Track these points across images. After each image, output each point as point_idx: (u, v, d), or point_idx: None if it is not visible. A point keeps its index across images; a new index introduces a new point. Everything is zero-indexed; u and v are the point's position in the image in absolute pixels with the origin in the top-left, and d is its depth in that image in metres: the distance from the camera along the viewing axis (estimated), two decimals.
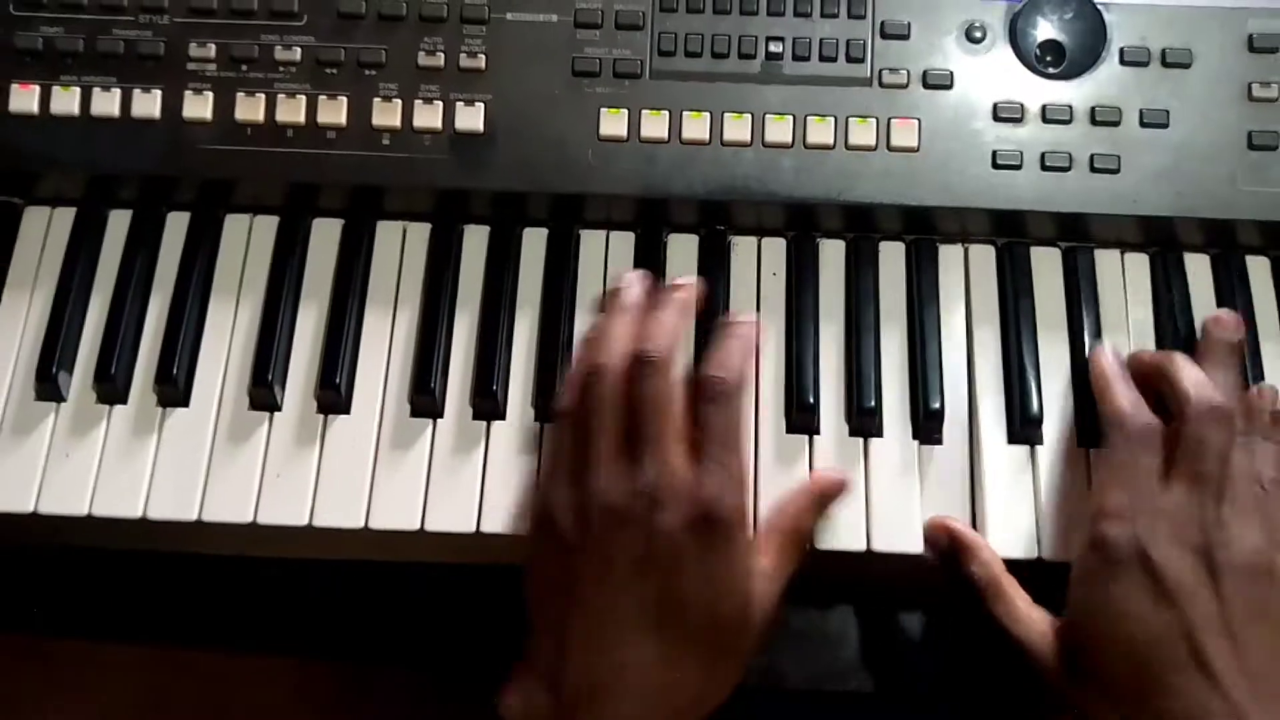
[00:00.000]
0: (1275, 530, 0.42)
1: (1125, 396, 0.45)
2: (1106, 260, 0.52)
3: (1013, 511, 0.47)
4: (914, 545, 0.47)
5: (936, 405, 0.48)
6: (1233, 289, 0.51)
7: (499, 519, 0.47)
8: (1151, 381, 0.46)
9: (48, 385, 0.49)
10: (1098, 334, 0.50)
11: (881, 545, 0.47)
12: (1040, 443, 0.48)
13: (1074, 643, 0.43)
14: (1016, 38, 0.51)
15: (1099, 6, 0.52)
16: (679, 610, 0.41)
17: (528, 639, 0.43)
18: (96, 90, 0.51)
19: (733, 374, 0.44)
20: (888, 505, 0.47)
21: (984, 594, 0.45)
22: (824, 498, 0.46)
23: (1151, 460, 0.43)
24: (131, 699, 0.60)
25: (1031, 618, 0.44)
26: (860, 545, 0.47)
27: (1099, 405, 0.46)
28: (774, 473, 0.48)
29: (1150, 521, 0.42)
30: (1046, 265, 0.52)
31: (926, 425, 0.48)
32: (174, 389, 0.49)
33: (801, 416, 0.48)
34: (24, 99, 0.51)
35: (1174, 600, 0.40)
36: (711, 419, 0.43)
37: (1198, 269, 0.52)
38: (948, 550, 0.46)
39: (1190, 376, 0.45)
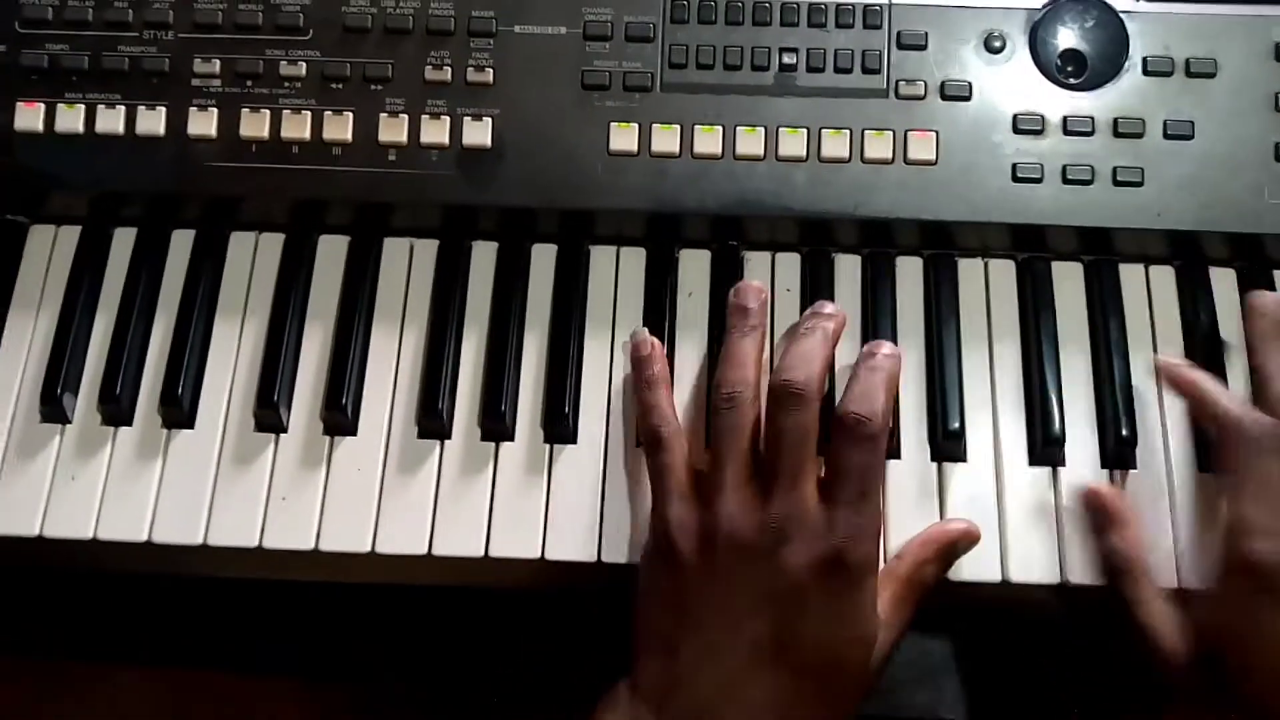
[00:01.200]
0: None
1: (1234, 401, 0.43)
2: (1131, 275, 0.50)
3: (1035, 535, 0.46)
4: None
5: (956, 425, 0.47)
6: None
7: (507, 543, 0.46)
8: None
9: (52, 407, 0.48)
10: (1123, 352, 0.49)
11: None
12: (1063, 464, 0.47)
13: (1218, 656, 0.40)
14: (1037, 47, 0.50)
15: (1121, 15, 0.50)
16: (797, 650, 0.40)
17: (634, 659, 0.43)
18: (101, 108, 0.50)
19: (877, 414, 0.42)
20: (906, 529, 0.46)
21: (1120, 571, 0.43)
22: (951, 549, 0.45)
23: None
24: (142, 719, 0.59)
25: (1164, 611, 0.42)
26: None
27: (1204, 416, 0.44)
28: None
29: None
30: (1069, 280, 0.50)
31: (946, 446, 0.47)
32: (179, 410, 0.48)
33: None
34: (29, 117, 0.50)
35: None
36: (851, 459, 0.42)
37: (1224, 284, 0.51)
38: (1097, 519, 0.44)
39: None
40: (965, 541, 0.45)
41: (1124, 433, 0.47)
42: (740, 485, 0.42)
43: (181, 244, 0.52)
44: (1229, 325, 0.50)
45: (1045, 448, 0.47)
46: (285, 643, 0.51)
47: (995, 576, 0.45)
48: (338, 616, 0.51)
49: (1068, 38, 0.50)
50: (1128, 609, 0.43)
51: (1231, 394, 0.44)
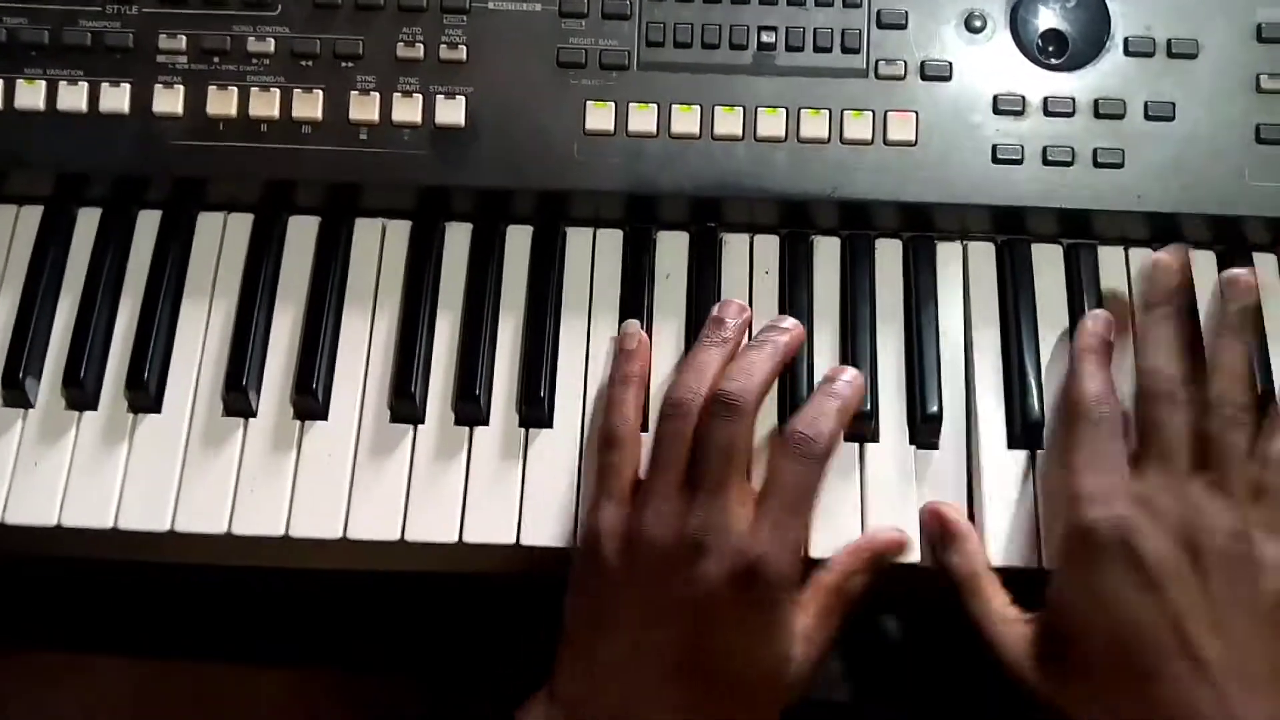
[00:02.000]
0: (1249, 512, 0.41)
1: (1094, 378, 0.44)
2: (1110, 257, 0.50)
3: (1013, 518, 0.46)
4: (910, 555, 0.45)
5: (934, 409, 0.47)
6: None
7: (482, 529, 0.46)
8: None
9: (14, 392, 0.47)
10: None
11: None
12: (1042, 447, 0.47)
13: (1055, 635, 0.41)
14: (1018, 27, 0.50)
15: None
16: (709, 661, 0.40)
17: (556, 661, 0.42)
18: (63, 84, 0.49)
19: (823, 437, 0.42)
20: (884, 513, 0.46)
21: (961, 587, 0.44)
22: (878, 558, 0.44)
23: (1119, 445, 0.42)
24: (122, 709, 0.59)
25: (1008, 617, 0.43)
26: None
27: (1067, 382, 0.45)
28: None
29: (1129, 506, 0.41)
30: (1048, 263, 0.50)
31: (924, 429, 0.47)
32: (145, 395, 0.47)
33: None
34: None
35: (1160, 587, 0.39)
36: (785, 475, 0.42)
37: (1204, 266, 0.50)
38: (937, 537, 0.45)
39: (1150, 357, 0.44)
40: (895, 549, 0.44)
41: None
42: (670, 493, 0.41)
43: (147, 225, 0.51)
44: (1209, 306, 0.49)
45: (1024, 431, 0.47)
46: (266, 630, 0.50)
47: None
48: (319, 604, 0.51)
49: (1049, 17, 0.50)
50: (977, 625, 0.43)
51: (1100, 371, 0.44)
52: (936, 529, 0.45)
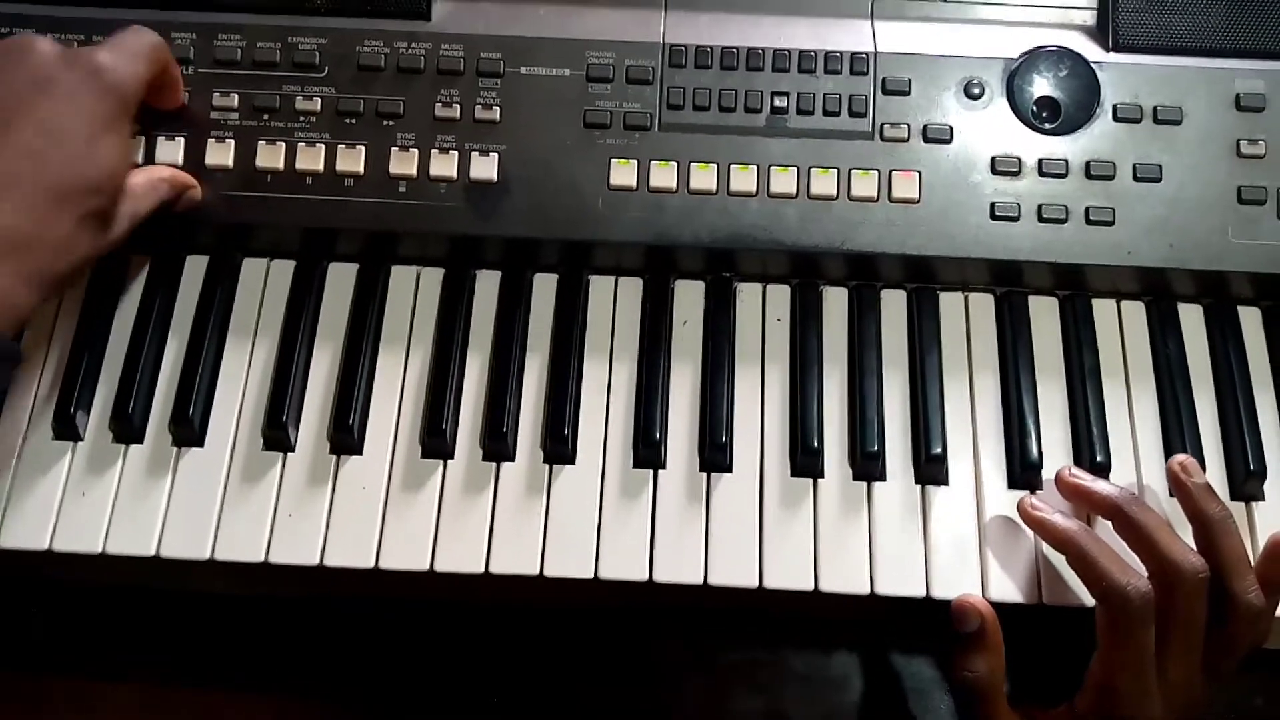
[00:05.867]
0: None
1: (1118, 569, 0.44)
2: (1103, 309, 0.53)
3: (1013, 557, 0.48)
4: (917, 589, 0.47)
5: (938, 450, 0.49)
6: (1225, 339, 0.53)
7: (508, 560, 0.48)
8: (1128, 538, 0.46)
9: (65, 425, 0.50)
10: (1097, 382, 0.51)
11: (885, 589, 0.47)
12: (1041, 488, 0.49)
13: None
14: (1014, 94, 0.53)
15: (1093, 65, 0.54)
16: None
17: None
18: None
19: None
20: (891, 549, 0.48)
21: (980, 694, 0.46)
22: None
23: (1151, 634, 0.44)
24: None
25: None
26: (864, 589, 0.47)
27: (1088, 578, 0.45)
28: (779, 517, 0.48)
29: (1152, 705, 0.43)
30: (1045, 314, 0.53)
31: (929, 470, 0.49)
32: (189, 429, 0.50)
33: (806, 460, 0.49)
34: None
35: None
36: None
37: (1192, 319, 0.53)
38: (974, 631, 0.46)
39: (1177, 547, 0.44)
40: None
41: (1098, 458, 0.49)
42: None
43: (195, 269, 0.54)
44: (1197, 359, 0.52)
45: (1023, 472, 0.49)
46: (261, 661, 0.52)
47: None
48: (318, 633, 0.52)
49: (1043, 85, 0.53)
50: None
51: (1117, 560, 0.44)
52: (977, 624, 0.46)
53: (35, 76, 0.45)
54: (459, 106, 0.52)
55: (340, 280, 0.54)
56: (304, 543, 0.48)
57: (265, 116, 0.53)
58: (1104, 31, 0.54)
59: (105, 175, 0.46)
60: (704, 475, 0.49)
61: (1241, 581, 0.44)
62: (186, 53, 0.53)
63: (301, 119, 0.52)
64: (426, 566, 0.48)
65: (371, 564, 0.48)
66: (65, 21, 0.53)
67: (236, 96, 0.53)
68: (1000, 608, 0.47)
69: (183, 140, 0.52)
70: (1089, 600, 0.46)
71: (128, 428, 0.50)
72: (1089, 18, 0.55)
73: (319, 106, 0.53)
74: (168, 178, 0.50)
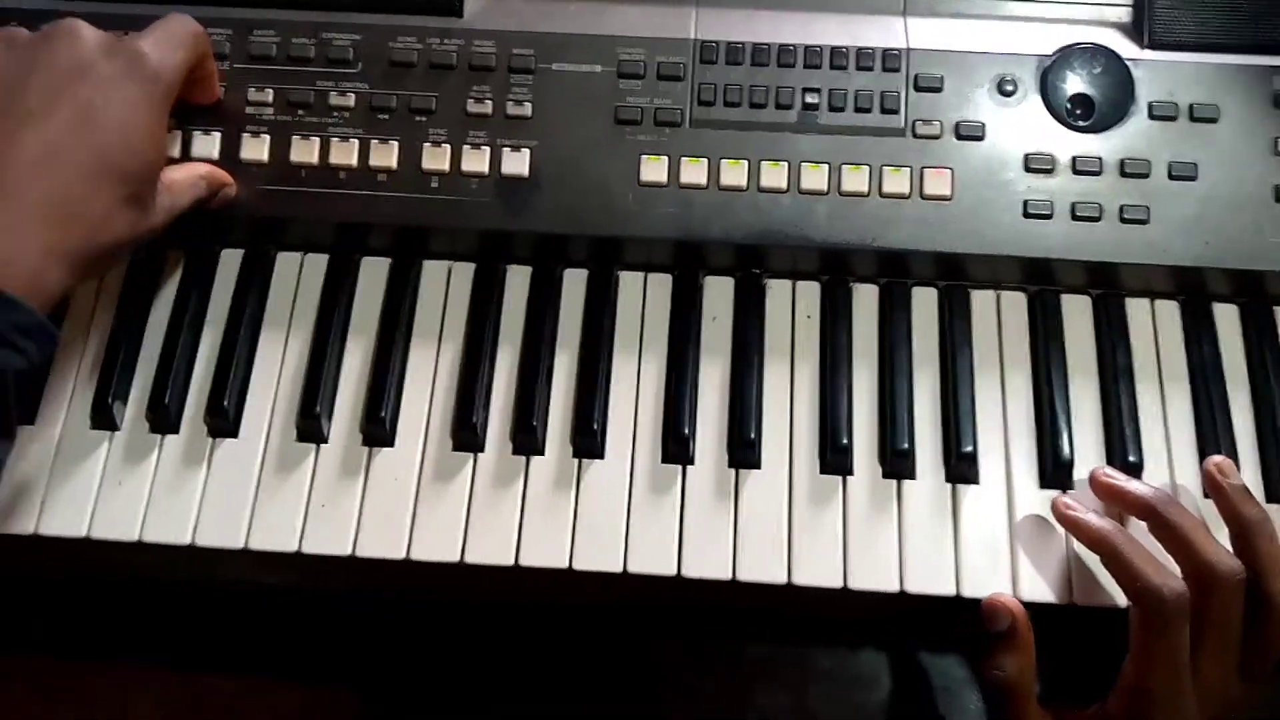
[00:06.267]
0: None
1: (1154, 570, 0.44)
2: (1137, 308, 0.53)
3: (1045, 556, 0.48)
4: (947, 587, 0.47)
5: (969, 449, 0.49)
6: (1260, 338, 0.52)
7: (537, 553, 0.48)
8: (1157, 532, 0.46)
9: (102, 415, 0.50)
10: (1130, 381, 0.51)
11: (915, 587, 0.47)
12: (1073, 487, 0.49)
13: None
14: (1047, 91, 0.53)
15: (1127, 63, 0.53)
16: None
17: None
18: None
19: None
20: (921, 547, 0.48)
21: (1010, 693, 0.46)
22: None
23: (1186, 636, 0.43)
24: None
25: None
26: (894, 587, 0.47)
27: (1123, 578, 0.44)
28: (807, 514, 0.48)
29: (1187, 707, 0.43)
30: (1078, 313, 0.53)
31: (959, 468, 0.49)
32: (224, 420, 0.50)
33: (835, 458, 0.49)
34: None
35: None
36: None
37: (1227, 318, 0.53)
38: (1004, 630, 0.46)
39: (1213, 549, 0.44)
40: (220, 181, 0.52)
41: (1131, 458, 0.49)
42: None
43: (230, 262, 0.54)
44: (1232, 358, 0.52)
45: (1055, 471, 0.49)
46: (284, 648, 0.52)
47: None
48: (315, 626, 0.52)
49: (1076, 83, 0.53)
50: None
51: (1152, 561, 0.44)
52: (1008, 624, 0.46)
53: (77, 61, 0.45)
54: (491, 102, 0.53)
55: (373, 274, 0.54)
56: (336, 533, 0.48)
57: (300, 112, 0.53)
58: (1139, 28, 0.54)
59: (143, 160, 0.46)
60: (733, 471, 0.49)
61: (1279, 583, 0.44)
62: (222, 48, 0.54)
63: (335, 114, 0.53)
64: (457, 558, 0.48)
65: (403, 555, 0.48)
66: (101, 18, 0.54)
67: (271, 92, 0.53)
68: (1031, 607, 0.47)
69: (218, 135, 0.53)
70: (1121, 600, 0.46)
71: (164, 418, 0.50)
72: (1124, 14, 0.54)
73: (352, 102, 0.53)
74: (205, 174, 0.51)
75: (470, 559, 0.48)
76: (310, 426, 0.50)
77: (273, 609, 0.52)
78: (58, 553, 0.50)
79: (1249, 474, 0.49)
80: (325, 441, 0.50)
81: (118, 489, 0.49)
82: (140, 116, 0.46)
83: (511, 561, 0.48)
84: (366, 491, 0.49)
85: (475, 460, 0.50)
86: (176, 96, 0.48)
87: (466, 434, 0.50)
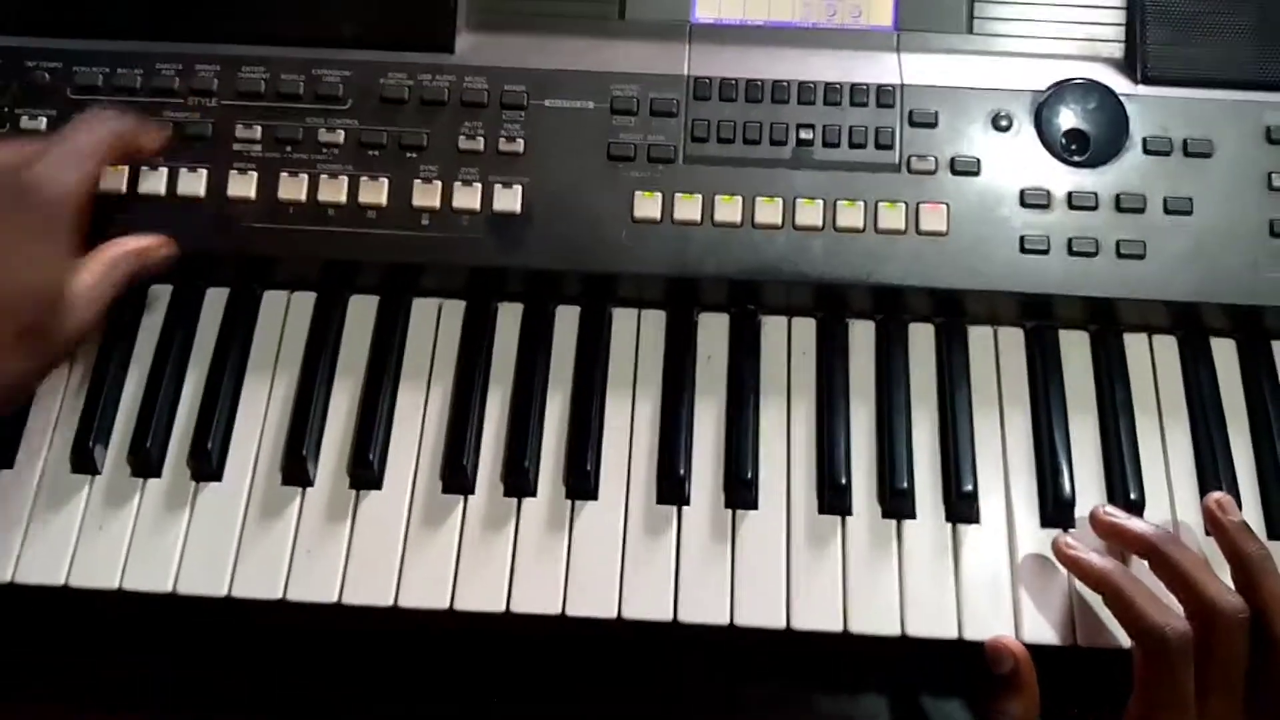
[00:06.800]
0: None
1: (1156, 609, 0.43)
2: (1135, 344, 0.52)
3: (1047, 596, 0.47)
4: (949, 630, 0.46)
5: (969, 487, 0.48)
6: (1258, 373, 0.52)
7: (529, 599, 0.47)
8: (1161, 574, 0.45)
9: (83, 458, 0.49)
10: (1129, 417, 0.50)
11: (917, 630, 0.46)
12: (1074, 526, 0.48)
13: None
14: (1042, 127, 0.53)
15: (1121, 98, 0.53)
16: None
17: None
18: (144, 169, 0.52)
19: None
20: (922, 589, 0.47)
21: None
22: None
23: (1190, 675, 0.43)
24: None
25: None
26: (895, 630, 0.46)
27: (1125, 618, 0.44)
28: (806, 556, 0.48)
29: None
30: (1075, 348, 0.52)
31: (959, 507, 0.48)
32: (207, 463, 0.49)
33: (834, 497, 0.48)
34: None
35: None
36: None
37: (1225, 353, 0.52)
38: (1007, 672, 0.45)
39: (1215, 587, 0.43)
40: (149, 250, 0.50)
41: (1132, 495, 0.48)
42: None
43: (215, 301, 0.53)
44: (1230, 393, 0.51)
45: (1056, 510, 0.48)
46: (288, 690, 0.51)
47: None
48: (314, 644, 0.51)
49: (1070, 118, 0.53)
50: None
51: (1155, 600, 0.43)
52: (1010, 666, 0.45)
53: None
54: (483, 138, 0.52)
55: (361, 313, 0.53)
56: (322, 580, 0.47)
57: (288, 148, 0.52)
58: (1131, 64, 0.54)
59: (34, 294, 0.45)
60: (729, 512, 0.49)
61: None
62: (210, 84, 0.53)
63: (324, 151, 0.52)
64: (446, 605, 0.47)
65: (390, 602, 0.47)
66: (91, 56, 0.53)
67: (259, 128, 0.53)
68: (1034, 649, 0.46)
69: (205, 172, 0.52)
70: (1125, 641, 0.45)
71: (146, 462, 0.49)
72: (1116, 50, 0.54)
73: (342, 138, 0.52)
74: (121, 255, 0.49)
75: (460, 606, 0.47)
76: (296, 469, 0.49)
77: (262, 649, 0.51)
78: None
79: (1250, 510, 0.49)
80: (311, 485, 0.49)
81: (98, 534, 0.48)
82: (33, 249, 0.45)
83: (502, 609, 0.47)
84: (353, 536, 0.48)
85: (465, 503, 0.49)
86: (80, 212, 0.47)
87: (457, 476, 0.49)
